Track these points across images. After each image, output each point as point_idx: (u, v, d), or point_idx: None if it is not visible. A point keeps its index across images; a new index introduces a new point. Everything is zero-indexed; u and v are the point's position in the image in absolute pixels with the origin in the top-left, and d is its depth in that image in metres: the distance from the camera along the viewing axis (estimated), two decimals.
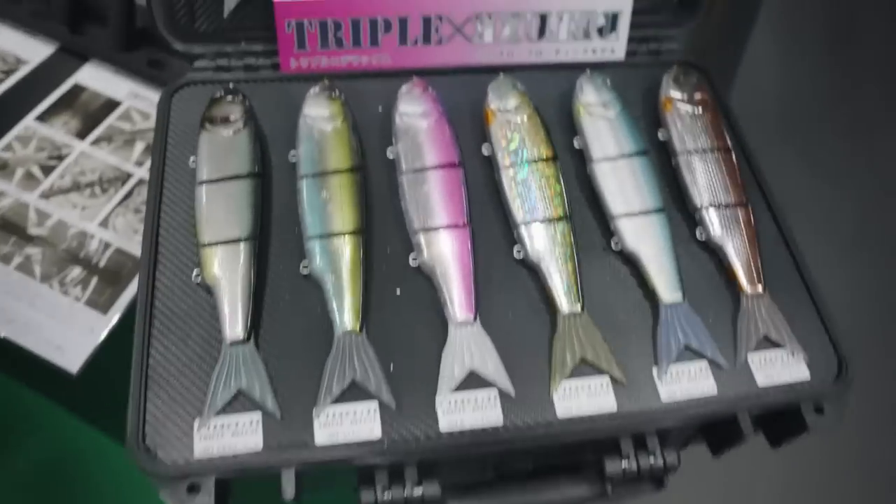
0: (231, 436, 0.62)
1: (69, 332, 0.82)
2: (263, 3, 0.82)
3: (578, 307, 0.70)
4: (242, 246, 0.69)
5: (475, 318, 0.69)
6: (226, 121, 0.76)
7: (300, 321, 0.69)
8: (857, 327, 0.83)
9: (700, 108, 0.83)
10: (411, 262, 0.72)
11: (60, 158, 0.95)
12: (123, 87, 1.02)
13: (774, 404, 0.69)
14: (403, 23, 0.84)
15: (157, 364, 0.65)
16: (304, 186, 0.73)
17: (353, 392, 0.65)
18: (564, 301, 0.70)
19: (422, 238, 0.72)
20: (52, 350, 0.81)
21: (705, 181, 0.78)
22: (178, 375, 0.65)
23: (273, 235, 0.73)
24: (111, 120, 0.99)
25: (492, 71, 0.86)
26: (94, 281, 0.86)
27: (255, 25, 0.84)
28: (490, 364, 0.67)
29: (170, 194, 0.75)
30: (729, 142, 0.82)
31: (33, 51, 1.05)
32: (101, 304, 0.85)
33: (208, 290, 0.68)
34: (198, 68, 0.84)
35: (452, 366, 0.66)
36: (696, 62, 0.91)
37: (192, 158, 0.75)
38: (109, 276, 0.87)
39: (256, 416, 0.63)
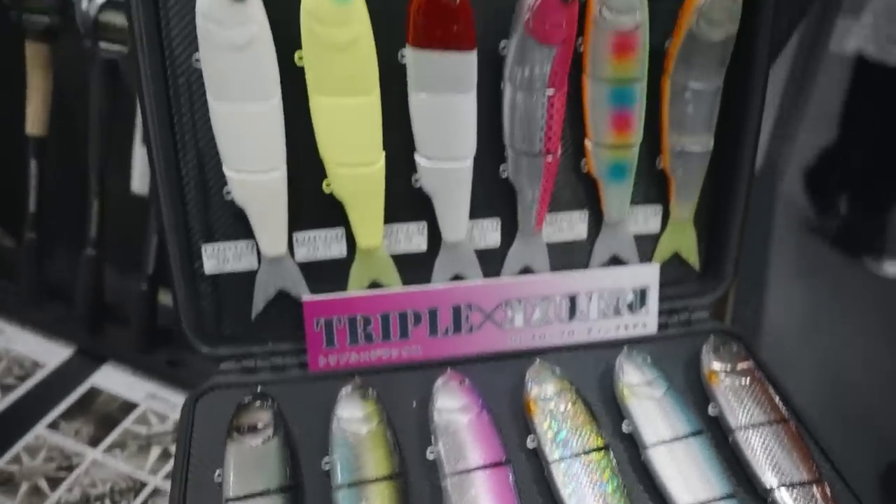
0: None
1: None
2: (290, 302, 0.81)
3: None
4: None
5: None
6: (254, 429, 0.71)
7: None
8: None
9: (747, 379, 0.80)
10: None
11: (70, 469, 0.89)
12: (141, 388, 0.99)
13: None
14: (433, 314, 0.83)
15: None
16: (341, 499, 0.67)
17: None
18: None
19: None
20: None
21: (770, 459, 0.73)
22: None
23: None
24: (127, 424, 0.95)
25: (525, 355, 0.84)
26: None
27: (282, 325, 0.83)
28: None
29: None
30: (784, 412, 0.77)
31: (51, 354, 1.03)
32: None
33: None
34: (223, 371, 0.81)
35: None
36: (731, 330, 0.89)
37: (217, 472, 0.70)
38: None
39: None
